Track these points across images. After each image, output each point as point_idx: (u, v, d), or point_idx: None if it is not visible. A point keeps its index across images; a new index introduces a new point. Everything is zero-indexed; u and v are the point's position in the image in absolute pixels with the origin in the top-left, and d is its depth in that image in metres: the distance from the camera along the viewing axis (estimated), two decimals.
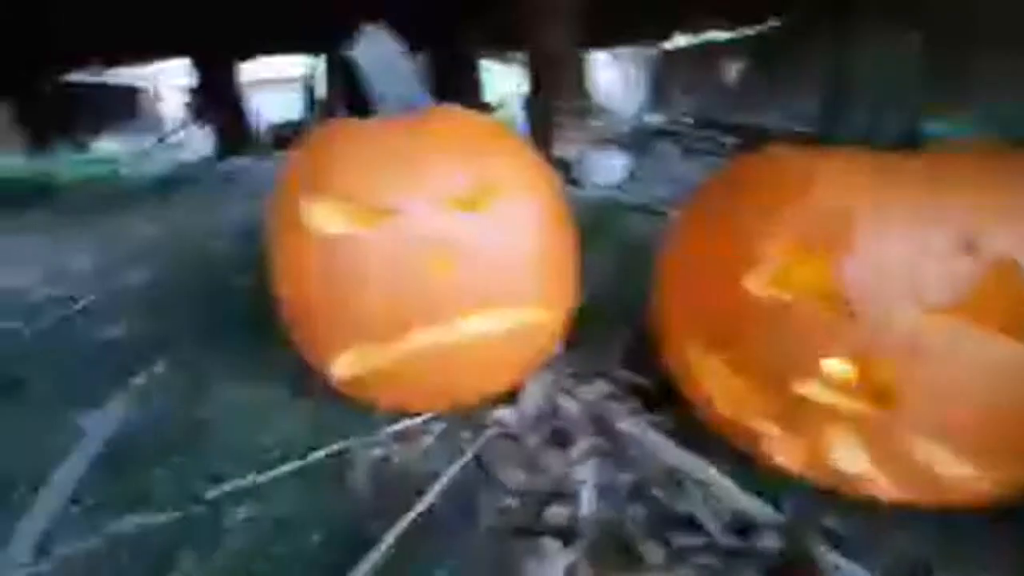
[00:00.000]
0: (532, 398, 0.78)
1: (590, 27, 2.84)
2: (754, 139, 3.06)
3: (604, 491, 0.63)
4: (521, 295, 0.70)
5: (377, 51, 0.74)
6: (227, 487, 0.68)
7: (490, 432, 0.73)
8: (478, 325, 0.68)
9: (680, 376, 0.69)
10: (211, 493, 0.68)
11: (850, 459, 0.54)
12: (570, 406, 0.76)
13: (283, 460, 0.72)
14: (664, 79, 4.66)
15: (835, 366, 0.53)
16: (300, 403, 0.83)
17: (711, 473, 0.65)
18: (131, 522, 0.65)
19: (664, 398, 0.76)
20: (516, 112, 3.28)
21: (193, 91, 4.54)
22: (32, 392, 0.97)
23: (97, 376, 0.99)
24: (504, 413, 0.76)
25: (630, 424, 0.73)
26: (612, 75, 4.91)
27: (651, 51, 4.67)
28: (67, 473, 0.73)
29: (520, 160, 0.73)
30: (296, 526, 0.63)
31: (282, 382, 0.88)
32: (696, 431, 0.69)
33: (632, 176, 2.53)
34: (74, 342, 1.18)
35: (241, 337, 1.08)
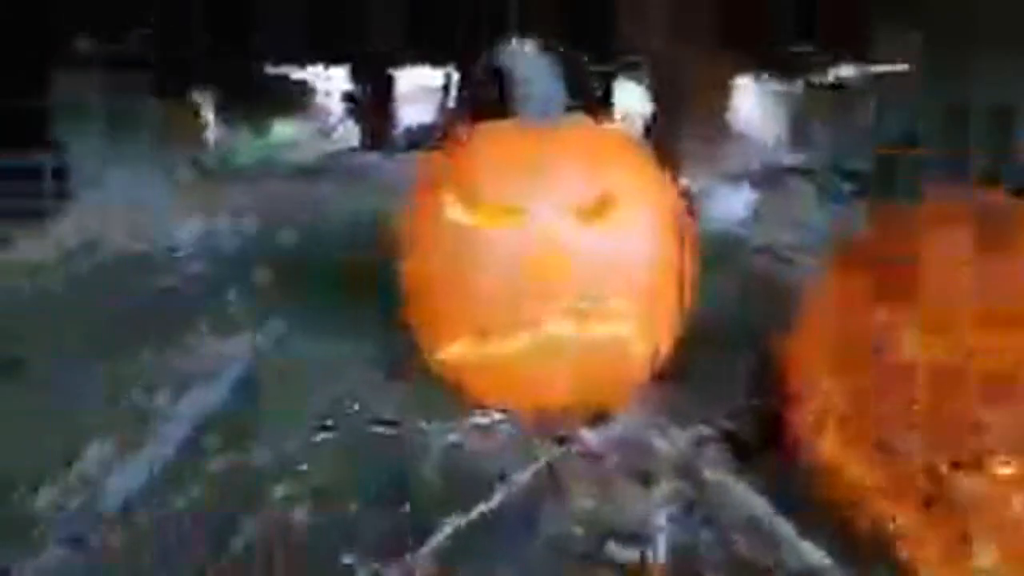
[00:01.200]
0: (618, 423, 0.74)
1: (731, 49, 2.69)
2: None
3: (681, 541, 0.58)
4: (624, 311, 0.69)
5: (523, 60, 0.78)
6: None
7: (568, 446, 0.71)
8: (580, 333, 0.68)
9: (799, 433, 0.61)
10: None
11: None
12: (659, 443, 0.71)
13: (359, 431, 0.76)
14: (808, 114, 4.25)
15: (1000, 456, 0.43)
16: (394, 384, 0.88)
17: (805, 542, 0.56)
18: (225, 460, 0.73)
19: (763, 452, 0.68)
20: (638, 131, 3.23)
21: (350, 92, 5.16)
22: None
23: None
24: (586, 432, 0.73)
25: (720, 475, 0.66)
26: (751, 103, 4.60)
27: (798, 82, 4.30)
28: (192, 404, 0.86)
29: (643, 176, 0.73)
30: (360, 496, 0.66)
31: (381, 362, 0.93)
32: (793, 492, 0.61)
33: (757, 215, 2.33)
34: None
35: (354, 316, 1.14)
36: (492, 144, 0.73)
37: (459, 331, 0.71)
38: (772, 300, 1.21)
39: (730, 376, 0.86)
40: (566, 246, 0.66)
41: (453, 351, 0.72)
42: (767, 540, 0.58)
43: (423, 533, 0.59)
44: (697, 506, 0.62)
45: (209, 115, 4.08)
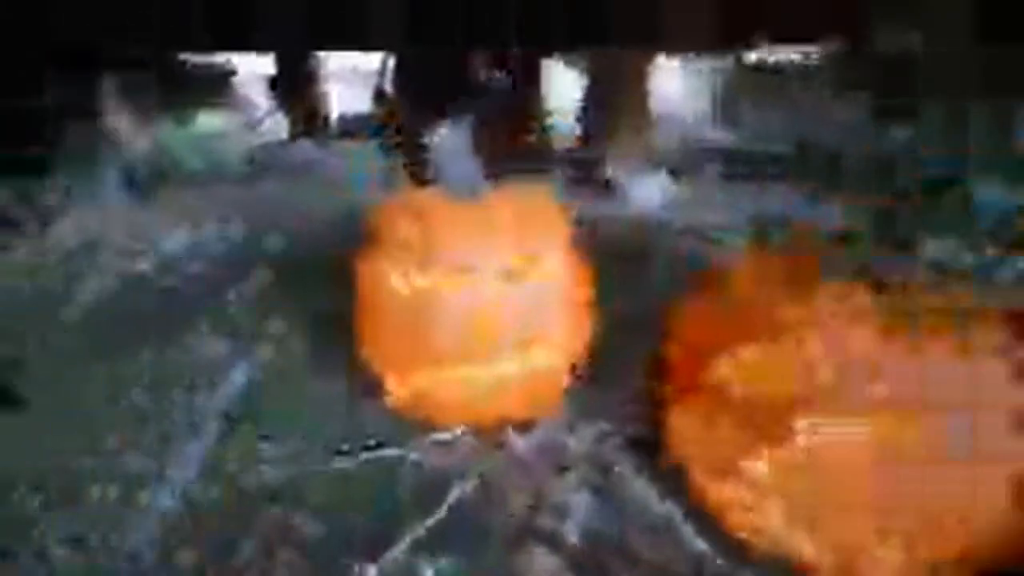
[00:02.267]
0: (541, 430, 0.93)
1: (654, 31, 2.80)
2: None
3: (590, 526, 0.77)
4: (556, 342, 0.90)
5: (451, 144, 0.92)
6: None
7: (503, 454, 0.90)
8: (522, 366, 0.88)
9: (670, 432, 0.81)
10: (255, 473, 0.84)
11: (787, 537, 0.65)
12: (573, 442, 0.91)
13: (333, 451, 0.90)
14: (732, 96, 4.51)
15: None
16: (365, 402, 0.97)
17: (687, 526, 0.76)
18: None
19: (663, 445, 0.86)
20: (568, 120, 3.35)
21: (276, 78, 4.86)
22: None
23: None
24: (516, 440, 0.92)
25: (625, 467, 0.87)
26: (674, 86, 4.80)
27: (723, 63, 4.52)
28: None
29: (560, 234, 0.93)
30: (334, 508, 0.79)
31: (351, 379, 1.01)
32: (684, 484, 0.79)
33: (678, 199, 2.54)
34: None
35: (323, 329, 1.19)
36: (441, 211, 0.90)
37: (413, 374, 0.88)
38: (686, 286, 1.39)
39: (629, 376, 1.03)
40: (508, 299, 0.85)
41: (407, 391, 0.89)
42: (664, 533, 0.75)
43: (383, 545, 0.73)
44: (602, 493, 0.82)
45: (119, 109, 3.76)
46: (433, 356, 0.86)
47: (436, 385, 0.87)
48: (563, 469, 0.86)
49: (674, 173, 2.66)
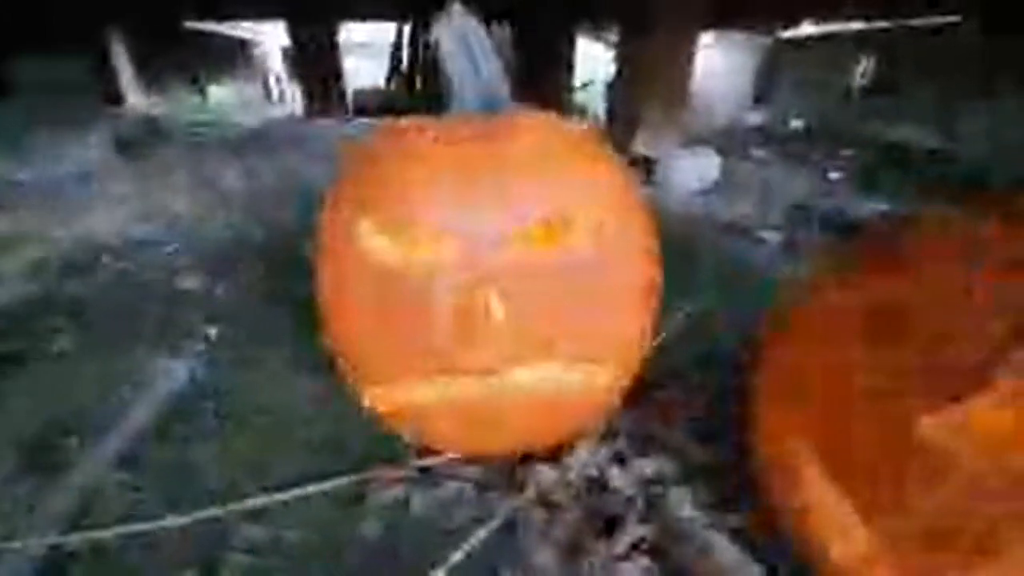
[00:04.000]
0: (579, 461, 0.68)
1: (694, 6, 2.54)
2: (880, 155, 2.69)
3: None
4: (582, 351, 0.59)
5: (459, 38, 0.63)
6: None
7: (525, 494, 0.64)
8: (528, 376, 0.59)
9: (775, 485, 0.55)
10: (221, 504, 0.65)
11: None
12: (623, 481, 0.65)
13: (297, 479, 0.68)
14: (776, 73, 4.17)
15: None
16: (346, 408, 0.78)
17: None
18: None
19: (743, 486, 0.63)
20: (598, 97, 3.07)
21: (291, 49, 4.69)
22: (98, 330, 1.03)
23: (165, 329, 1.04)
24: (545, 474, 0.66)
25: (693, 517, 0.61)
26: (715, 63, 4.45)
27: (766, 39, 4.18)
28: (107, 445, 0.74)
29: (605, 190, 0.61)
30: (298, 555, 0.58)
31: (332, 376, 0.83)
32: (773, 539, 0.56)
33: (724, 184, 2.27)
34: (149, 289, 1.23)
35: (305, 322, 1.02)
36: (418, 154, 0.58)
37: (388, 376, 0.60)
38: (741, 294, 1.15)
39: (696, 397, 0.80)
40: (511, 281, 0.55)
41: (383, 397, 0.62)
42: None
43: None
44: (666, 558, 0.57)
45: (132, 77, 3.61)
46: (412, 356, 0.57)
47: (428, 400, 0.59)
48: (607, 520, 0.61)
49: (721, 152, 2.37)
